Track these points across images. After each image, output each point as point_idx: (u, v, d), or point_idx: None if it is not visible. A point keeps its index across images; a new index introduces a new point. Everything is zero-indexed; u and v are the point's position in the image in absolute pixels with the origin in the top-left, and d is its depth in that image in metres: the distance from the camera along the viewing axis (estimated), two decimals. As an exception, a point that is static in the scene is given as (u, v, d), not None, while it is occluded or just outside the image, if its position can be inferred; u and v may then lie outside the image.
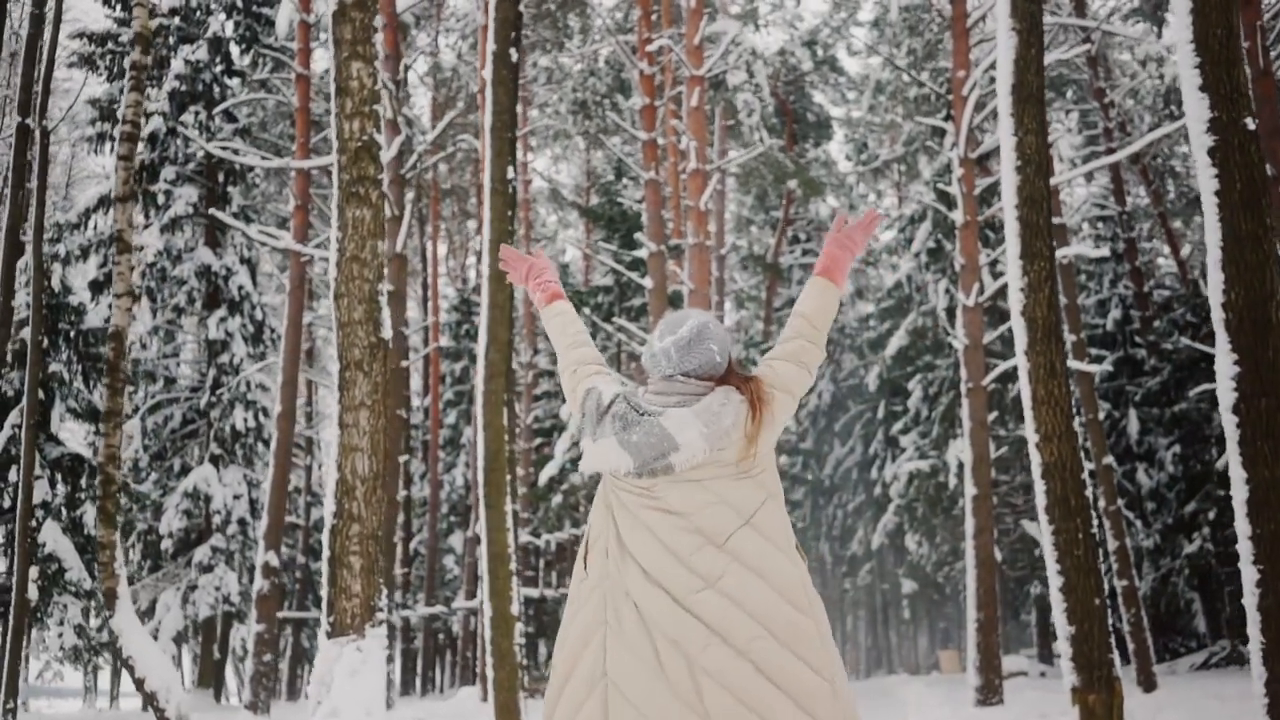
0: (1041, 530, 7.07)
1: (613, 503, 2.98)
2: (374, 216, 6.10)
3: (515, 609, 7.65)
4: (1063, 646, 6.93)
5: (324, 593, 5.84)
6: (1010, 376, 22.91)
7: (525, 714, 8.78)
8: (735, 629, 2.76)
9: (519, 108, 29.88)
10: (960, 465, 21.47)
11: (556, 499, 22.64)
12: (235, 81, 26.75)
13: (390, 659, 18.86)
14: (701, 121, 15.25)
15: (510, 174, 8.24)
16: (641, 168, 16.28)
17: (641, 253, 17.13)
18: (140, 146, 26.41)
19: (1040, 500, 7.00)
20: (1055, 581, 6.88)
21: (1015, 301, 7.07)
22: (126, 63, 12.81)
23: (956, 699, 16.25)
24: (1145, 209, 30.91)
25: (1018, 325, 7.05)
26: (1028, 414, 7.07)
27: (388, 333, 6.08)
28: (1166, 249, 33.92)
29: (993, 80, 15.27)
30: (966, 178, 15.24)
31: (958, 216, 15.42)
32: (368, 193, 6.13)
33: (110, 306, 12.48)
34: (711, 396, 2.93)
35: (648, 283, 15.57)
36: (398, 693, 32.69)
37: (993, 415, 18.24)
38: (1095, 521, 7.04)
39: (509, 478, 7.66)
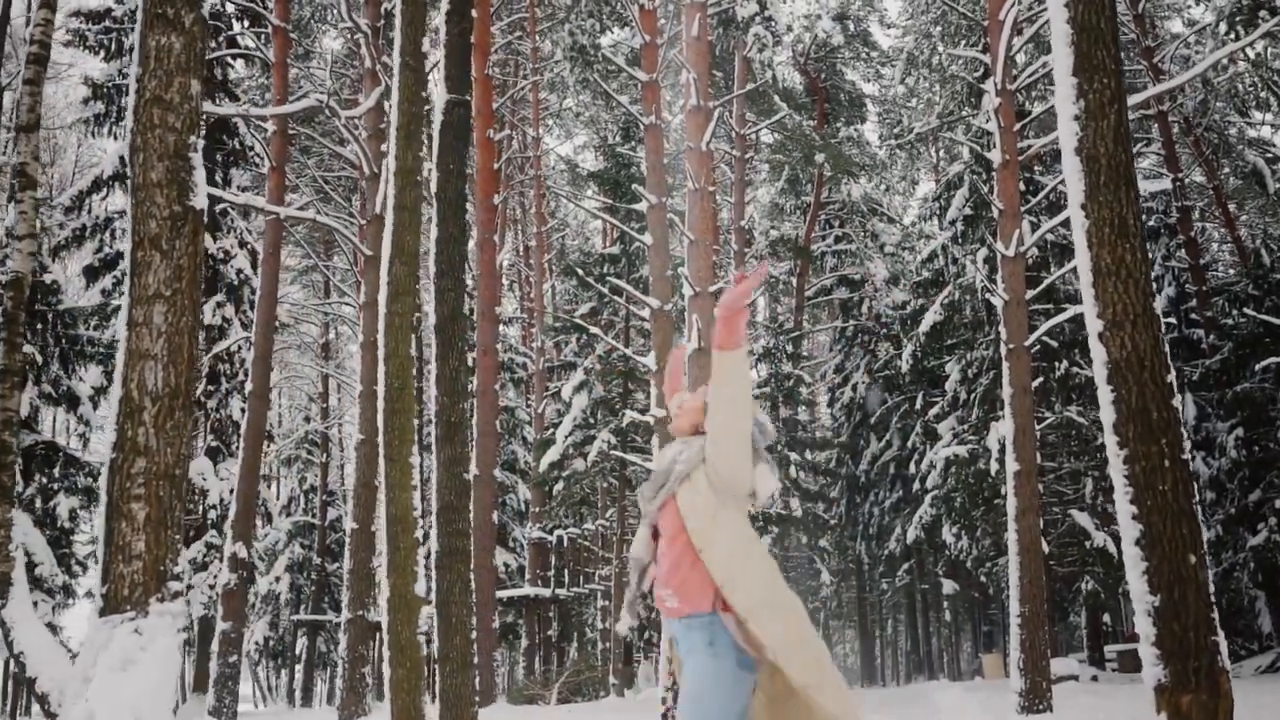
0: (1110, 460, 4.84)
1: None
2: (186, 46, 4.45)
3: (420, 588, 5.94)
4: (1142, 625, 4.69)
5: (98, 552, 4.19)
6: (1054, 354, 21.03)
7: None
8: None
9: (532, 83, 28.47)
10: (1001, 449, 19.61)
11: (559, 486, 21.01)
12: (239, 63, 25.95)
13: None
14: (702, 53, 13.55)
15: (426, 47, 6.59)
16: (643, 114, 14.60)
17: (641, 206, 15.43)
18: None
19: (1107, 415, 4.75)
20: (1129, 532, 4.61)
21: (1068, 135, 4.88)
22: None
23: (998, 705, 14.43)
24: (1199, 186, 28.99)
25: (1072, 168, 4.90)
26: (1086, 293, 4.80)
27: (200, 200, 4.41)
28: (1218, 233, 31.92)
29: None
30: (1004, 110, 13.37)
31: (995, 156, 13.58)
32: (178, 15, 4.48)
33: (15, 251, 10.99)
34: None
35: (647, 239, 13.87)
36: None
37: (1037, 382, 16.36)
38: (1188, 447, 4.78)
39: (417, 422, 6.01)
